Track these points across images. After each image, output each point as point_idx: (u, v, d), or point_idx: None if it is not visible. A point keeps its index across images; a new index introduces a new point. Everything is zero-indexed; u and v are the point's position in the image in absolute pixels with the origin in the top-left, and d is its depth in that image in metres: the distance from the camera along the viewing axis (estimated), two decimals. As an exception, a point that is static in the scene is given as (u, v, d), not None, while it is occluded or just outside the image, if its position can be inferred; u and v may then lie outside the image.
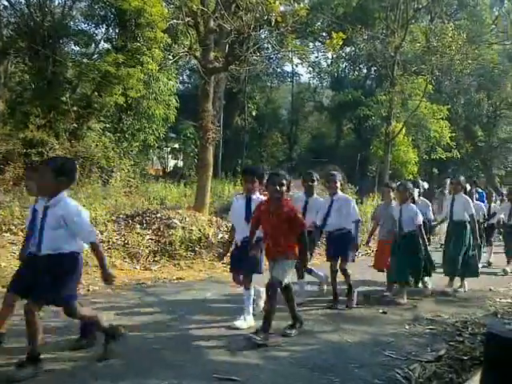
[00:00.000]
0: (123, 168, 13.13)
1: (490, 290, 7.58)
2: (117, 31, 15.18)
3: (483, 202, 10.94)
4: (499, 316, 5.91)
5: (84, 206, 9.35)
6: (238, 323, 4.90)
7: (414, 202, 6.90)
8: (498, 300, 6.82)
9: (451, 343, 4.73)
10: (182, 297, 6.40)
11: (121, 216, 9.75)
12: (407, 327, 5.26)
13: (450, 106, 24.80)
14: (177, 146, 24.02)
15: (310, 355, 4.25)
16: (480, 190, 12.83)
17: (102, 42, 15.66)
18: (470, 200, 7.49)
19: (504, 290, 7.58)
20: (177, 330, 4.82)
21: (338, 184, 6.25)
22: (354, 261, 6.23)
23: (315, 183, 6.49)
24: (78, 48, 15.32)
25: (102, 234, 8.96)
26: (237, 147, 26.02)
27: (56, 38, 13.90)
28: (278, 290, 4.65)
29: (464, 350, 4.49)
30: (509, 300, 6.84)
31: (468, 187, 8.12)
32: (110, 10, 14.93)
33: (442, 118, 23.00)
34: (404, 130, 20.99)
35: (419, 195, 7.96)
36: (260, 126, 28.97)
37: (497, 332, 2.26)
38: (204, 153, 11.25)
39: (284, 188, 5.11)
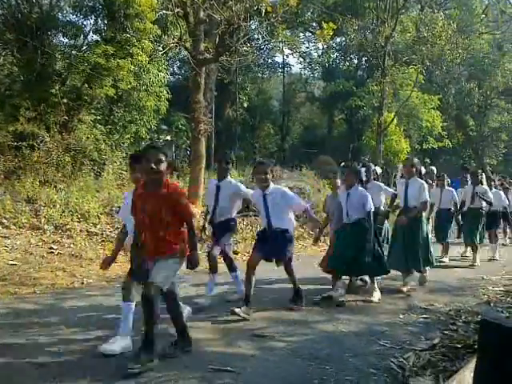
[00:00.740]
0: (115, 160, 13.05)
1: (483, 278, 7.64)
2: (106, 22, 15.01)
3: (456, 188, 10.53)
4: (492, 304, 5.95)
5: (76, 199, 9.41)
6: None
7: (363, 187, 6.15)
8: (490, 288, 6.87)
9: (445, 332, 4.76)
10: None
11: (114, 208, 9.70)
12: (401, 316, 5.29)
13: (441, 96, 24.86)
14: (169, 138, 23.91)
15: (305, 345, 4.26)
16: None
17: (91, 33, 15.48)
18: (426, 185, 6.72)
19: (496, 279, 7.64)
20: (171, 323, 4.79)
21: (269, 176, 5.26)
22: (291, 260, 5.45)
23: (229, 165, 5.87)
24: (66, 40, 15.13)
25: (95, 226, 8.94)
26: (229, 139, 25.96)
27: (44, 30, 13.71)
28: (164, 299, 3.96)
29: (458, 339, 4.52)
30: (501, 288, 6.89)
31: (423, 170, 7.30)
32: (99, 0, 14.76)
33: (434, 108, 23.04)
34: (396, 120, 21.00)
35: (367, 180, 6.82)
36: (252, 117, 28.89)
37: (491, 319, 2.27)
38: (196, 145, 11.21)
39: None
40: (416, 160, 7.04)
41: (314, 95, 32.46)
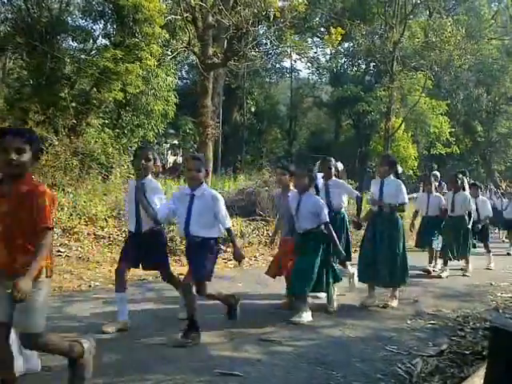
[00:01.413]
0: (123, 164, 13.10)
1: (491, 284, 7.58)
2: (115, 27, 15.13)
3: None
4: (500, 310, 5.90)
5: (84, 202, 9.44)
6: None
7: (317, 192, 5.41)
8: (498, 295, 6.81)
9: (453, 338, 4.72)
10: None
11: (121, 212, 9.72)
12: (409, 322, 5.25)
13: (449, 102, 24.85)
14: (176, 142, 24.03)
15: (312, 350, 4.25)
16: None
17: (100, 37, 15.63)
18: (403, 185, 5.91)
19: (504, 285, 7.58)
20: (177, 326, 4.80)
21: (202, 174, 4.44)
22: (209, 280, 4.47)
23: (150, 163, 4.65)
24: (75, 44, 15.30)
25: (102, 229, 8.96)
26: (236, 143, 26.01)
27: (54, 34, 13.85)
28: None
29: (466, 345, 4.48)
30: (509, 294, 6.84)
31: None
32: (108, 5, 14.88)
33: (442, 114, 23.03)
34: (403, 126, 21.01)
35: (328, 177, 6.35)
36: (259, 121, 28.97)
37: (501, 326, 2.25)
38: (203, 149, 11.25)
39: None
40: (392, 158, 6.30)
41: (321, 100, 32.51)
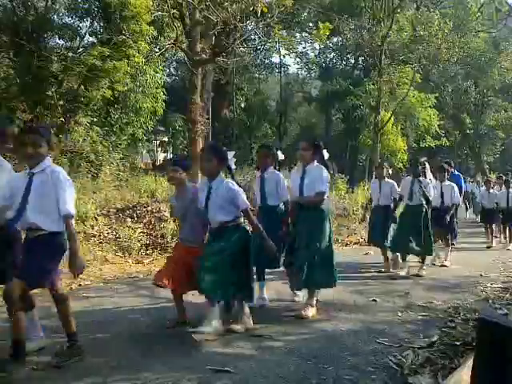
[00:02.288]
0: (112, 162, 13.05)
1: (481, 275, 7.63)
2: (101, 24, 15.03)
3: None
4: (490, 301, 5.94)
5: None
6: None
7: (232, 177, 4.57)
8: (488, 285, 6.86)
9: (443, 329, 4.75)
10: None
11: (111, 210, 9.70)
12: (400, 314, 5.28)
13: (437, 95, 24.95)
14: (166, 139, 23.93)
15: (304, 344, 4.26)
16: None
17: (87, 35, 15.53)
18: (327, 173, 5.05)
19: (495, 276, 7.64)
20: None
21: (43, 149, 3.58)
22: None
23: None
24: (62, 42, 15.17)
25: (92, 228, 8.93)
26: (226, 139, 25.97)
27: (40, 33, 13.74)
28: None
29: (456, 336, 4.51)
30: (500, 285, 6.89)
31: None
32: (94, 2, 14.77)
33: (430, 107, 23.13)
34: (392, 119, 21.06)
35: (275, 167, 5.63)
36: (249, 117, 28.94)
37: (488, 318, 2.27)
38: (193, 145, 11.21)
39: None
40: (317, 140, 5.31)
41: (311, 95, 32.54)
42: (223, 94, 25.63)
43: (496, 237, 11.85)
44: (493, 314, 2.42)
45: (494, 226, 11.80)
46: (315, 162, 5.13)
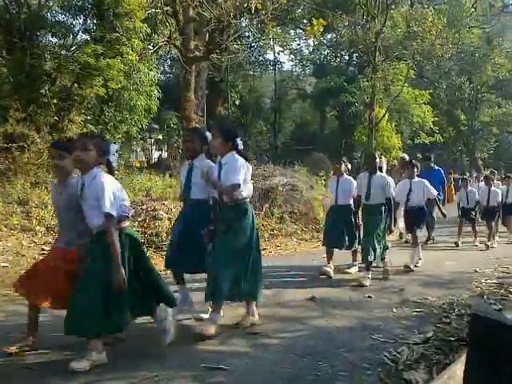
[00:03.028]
0: (107, 160, 12.99)
1: (476, 271, 7.65)
2: (95, 22, 14.92)
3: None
4: (485, 297, 5.96)
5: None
6: None
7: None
8: (483, 281, 6.88)
9: (438, 325, 4.77)
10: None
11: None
12: (395, 311, 5.29)
13: (431, 91, 24.98)
14: (160, 137, 23.87)
15: (299, 342, 4.26)
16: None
17: (80, 33, 15.39)
18: (242, 161, 4.39)
19: (489, 271, 7.66)
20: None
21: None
22: None
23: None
24: (55, 40, 15.03)
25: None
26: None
27: (33, 30, 13.63)
28: None
29: (451, 332, 4.53)
30: (494, 281, 6.91)
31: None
32: (87, 0, 14.69)
33: (425, 103, 23.17)
34: (387, 116, 21.09)
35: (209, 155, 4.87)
36: (243, 114, 28.89)
37: (480, 313, 2.27)
38: (187, 143, 11.16)
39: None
40: (230, 128, 5.04)
41: (305, 92, 32.48)
42: (217, 92, 25.57)
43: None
44: (486, 309, 2.42)
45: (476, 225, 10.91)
46: (233, 152, 4.43)
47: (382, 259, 6.92)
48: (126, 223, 3.84)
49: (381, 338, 4.36)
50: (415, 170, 7.94)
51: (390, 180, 6.88)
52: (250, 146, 28.11)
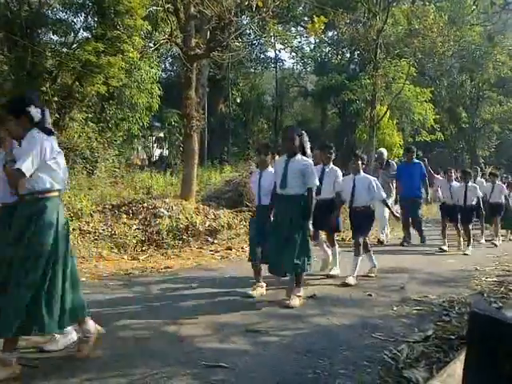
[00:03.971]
0: (108, 158, 13.03)
1: (476, 269, 7.66)
2: (96, 19, 14.93)
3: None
4: (485, 295, 5.97)
5: (69, 197, 9.38)
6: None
7: None
8: (483, 279, 6.89)
9: (438, 323, 4.77)
10: (169, 285, 6.35)
11: (107, 206, 9.69)
12: (395, 309, 5.29)
13: (433, 89, 24.93)
14: (161, 134, 23.86)
15: (299, 339, 4.26)
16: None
17: (81, 30, 15.41)
18: None
19: (490, 269, 7.66)
20: (164, 319, 4.79)
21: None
22: None
23: None
24: (56, 37, 15.07)
25: (88, 224, 8.92)
26: (222, 135, 25.93)
27: (34, 28, 13.66)
28: None
29: (451, 330, 4.53)
30: (494, 279, 6.92)
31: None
32: (88, -3, 14.69)
33: (426, 101, 23.10)
34: (388, 114, 21.03)
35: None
36: (245, 112, 28.87)
37: (479, 311, 2.27)
38: (189, 141, 11.18)
39: None
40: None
41: (306, 90, 32.46)
42: (219, 89, 25.56)
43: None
44: (485, 307, 2.42)
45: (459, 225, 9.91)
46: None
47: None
48: None
49: (381, 336, 4.36)
50: (359, 162, 6.77)
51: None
52: (250, 144, 28.14)
